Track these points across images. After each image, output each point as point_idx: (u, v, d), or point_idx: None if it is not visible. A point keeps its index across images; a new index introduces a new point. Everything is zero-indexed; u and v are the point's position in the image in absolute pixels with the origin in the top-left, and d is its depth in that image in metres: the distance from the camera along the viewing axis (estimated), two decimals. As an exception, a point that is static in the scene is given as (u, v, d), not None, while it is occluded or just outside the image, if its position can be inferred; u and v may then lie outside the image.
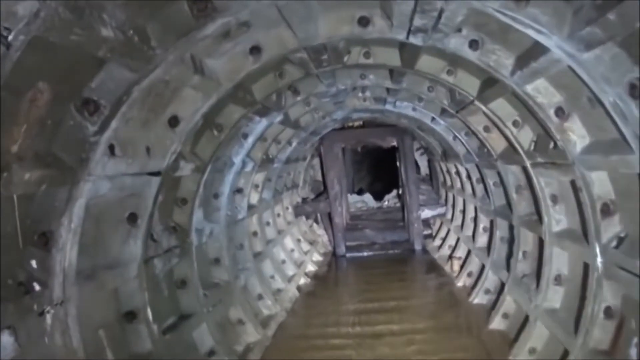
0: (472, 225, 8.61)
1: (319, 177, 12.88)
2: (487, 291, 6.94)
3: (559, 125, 3.56)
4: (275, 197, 9.33)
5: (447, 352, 5.65)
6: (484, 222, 7.76)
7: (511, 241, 6.55)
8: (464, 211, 9.00)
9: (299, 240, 10.83)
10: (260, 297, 7.10)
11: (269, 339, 6.30)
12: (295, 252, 10.01)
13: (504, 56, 3.45)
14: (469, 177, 8.03)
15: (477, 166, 7.04)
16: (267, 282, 7.85)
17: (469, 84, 4.40)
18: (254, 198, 7.84)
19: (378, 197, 15.69)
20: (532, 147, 4.54)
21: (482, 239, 7.81)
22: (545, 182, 4.72)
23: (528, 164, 4.73)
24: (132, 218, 3.91)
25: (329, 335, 6.50)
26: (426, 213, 10.94)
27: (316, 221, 12.38)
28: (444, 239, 10.11)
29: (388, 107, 7.66)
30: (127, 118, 3.03)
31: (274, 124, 6.28)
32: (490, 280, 6.92)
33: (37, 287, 2.69)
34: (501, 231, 6.82)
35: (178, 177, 4.64)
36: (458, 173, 8.91)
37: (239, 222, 6.84)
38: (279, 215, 9.88)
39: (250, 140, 5.76)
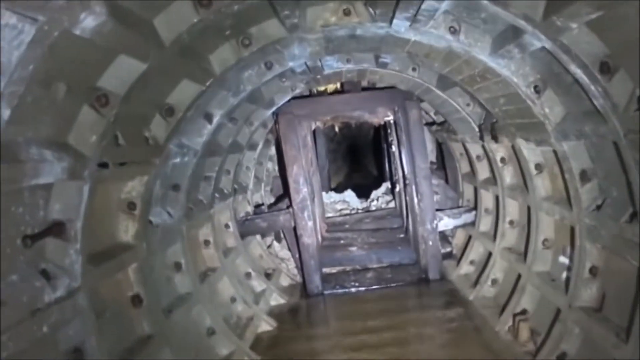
0: (548, 255, 4.76)
1: (278, 173, 8.82)
2: None
3: None
4: (193, 215, 5.25)
5: None
6: (594, 259, 3.86)
7: None
8: (528, 227, 5.10)
9: (248, 275, 6.82)
10: None
11: None
12: (237, 304, 5.99)
13: None
14: (559, 168, 4.12)
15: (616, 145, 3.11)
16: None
17: None
18: (128, 231, 3.77)
19: (363, 194, 11.81)
20: None
21: (589, 293, 3.93)
22: None
23: None
24: None
25: None
26: (446, 223, 6.98)
27: (277, 238, 8.35)
28: (481, 269, 6.18)
29: (396, 30, 3.69)
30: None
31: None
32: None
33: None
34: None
35: None
36: (517, 159, 5.01)
37: (59, 304, 2.74)
38: (206, 243, 5.82)
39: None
